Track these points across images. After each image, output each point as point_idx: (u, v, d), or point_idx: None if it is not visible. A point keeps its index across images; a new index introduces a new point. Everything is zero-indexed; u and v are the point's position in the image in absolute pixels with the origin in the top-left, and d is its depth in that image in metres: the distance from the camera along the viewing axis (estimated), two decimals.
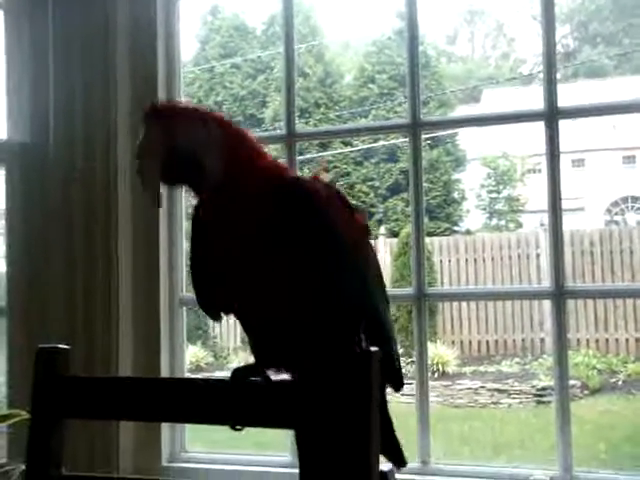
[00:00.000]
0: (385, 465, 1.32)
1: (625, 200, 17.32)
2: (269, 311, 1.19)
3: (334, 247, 1.18)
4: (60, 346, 1.24)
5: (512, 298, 9.03)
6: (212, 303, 1.27)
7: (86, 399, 1.23)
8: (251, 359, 1.26)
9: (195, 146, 1.14)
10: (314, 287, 1.17)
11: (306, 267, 1.16)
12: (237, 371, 1.19)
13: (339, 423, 1.04)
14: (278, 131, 2.34)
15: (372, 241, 1.34)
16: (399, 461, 1.34)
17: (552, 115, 2.09)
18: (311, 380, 1.12)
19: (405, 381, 1.35)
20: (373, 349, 1.05)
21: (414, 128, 2.22)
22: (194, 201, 1.22)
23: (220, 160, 1.15)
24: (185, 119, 1.16)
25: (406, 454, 1.36)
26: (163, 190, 1.14)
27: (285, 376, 1.25)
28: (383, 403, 1.30)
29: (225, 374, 1.21)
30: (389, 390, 1.32)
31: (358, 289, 1.23)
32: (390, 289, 1.40)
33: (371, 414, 1.02)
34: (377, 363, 1.05)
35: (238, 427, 1.17)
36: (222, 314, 1.28)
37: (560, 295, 2.07)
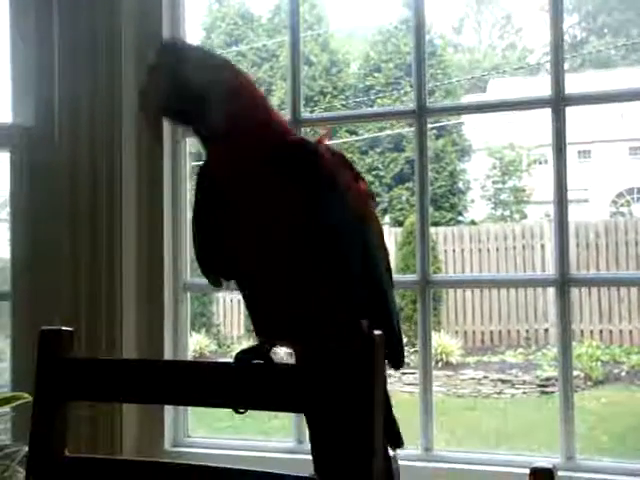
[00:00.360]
0: (388, 451, 1.32)
1: (631, 191, 17.27)
2: (270, 271, 1.17)
3: (338, 210, 1.17)
4: (63, 328, 1.24)
5: (516, 286, 9.01)
6: (213, 265, 1.25)
7: (89, 381, 1.23)
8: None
9: (202, 83, 1.12)
10: (316, 248, 1.16)
11: (309, 229, 1.15)
12: (240, 354, 1.19)
13: (341, 408, 1.03)
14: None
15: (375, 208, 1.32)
16: (396, 441, 1.32)
17: (559, 102, 2.08)
18: (313, 363, 1.12)
19: (409, 370, 1.34)
20: (377, 332, 1.04)
21: (420, 115, 2.21)
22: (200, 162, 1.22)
23: (226, 104, 1.13)
24: (196, 56, 1.15)
25: (406, 438, 1.35)
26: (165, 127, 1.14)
27: (286, 350, 1.24)
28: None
29: (229, 361, 1.20)
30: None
31: (361, 254, 1.21)
32: (394, 276, 1.38)
33: (374, 400, 1.02)
34: (381, 348, 1.05)
35: (241, 410, 1.17)
36: (222, 280, 1.27)
37: (564, 282, 2.07)
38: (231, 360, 1.18)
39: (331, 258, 1.17)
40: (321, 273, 1.18)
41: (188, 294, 2.41)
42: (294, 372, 1.13)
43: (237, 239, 1.18)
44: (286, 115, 2.33)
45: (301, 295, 1.19)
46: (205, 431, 4.00)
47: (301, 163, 1.15)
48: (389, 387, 1.25)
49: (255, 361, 1.18)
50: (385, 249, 1.31)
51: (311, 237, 1.15)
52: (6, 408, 2.00)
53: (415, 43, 2.22)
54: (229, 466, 1.14)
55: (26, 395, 1.84)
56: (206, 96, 1.12)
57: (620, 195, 17.29)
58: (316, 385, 1.07)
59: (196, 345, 10.00)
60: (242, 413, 1.18)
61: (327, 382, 1.05)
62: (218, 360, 9.33)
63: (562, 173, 2.07)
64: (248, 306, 1.25)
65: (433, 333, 2.21)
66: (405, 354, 1.34)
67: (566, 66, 2.14)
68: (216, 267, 1.26)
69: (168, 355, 2.32)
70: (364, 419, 1.01)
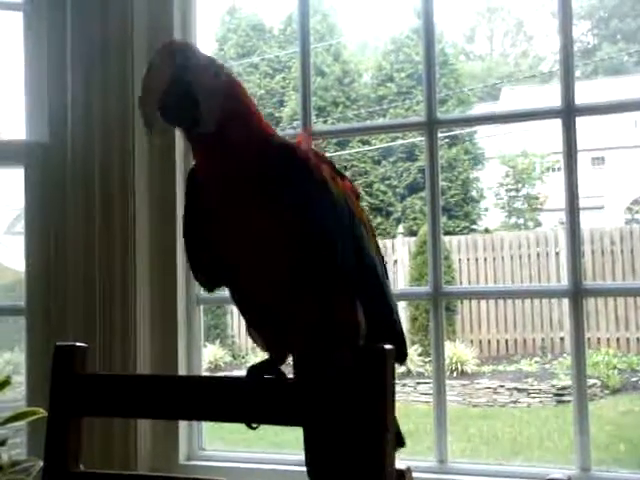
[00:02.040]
0: (402, 463, 1.32)
1: None
2: (260, 273, 1.18)
3: (327, 208, 1.19)
4: (77, 344, 1.25)
5: (529, 297, 8.97)
6: (205, 270, 1.27)
7: (103, 397, 1.24)
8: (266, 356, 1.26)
9: (198, 84, 1.14)
10: (304, 246, 1.16)
11: (296, 225, 1.16)
12: (252, 369, 1.19)
13: (352, 422, 1.03)
14: (296, 129, 2.35)
15: (363, 206, 1.33)
16: (398, 441, 1.29)
17: (569, 112, 2.08)
18: (322, 376, 1.12)
19: (424, 380, 1.33)
20: (387, 346, 1.04)
21: (430, 126, 2.21)
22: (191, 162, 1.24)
23: (218, 107, 1.15)
24: (196, 58, 1.17)
25: (422, 450, 1.34)
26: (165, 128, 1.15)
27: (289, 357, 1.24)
28: None
29: (243, 373, 1.21)
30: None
31: (353, 249, 1.22)
32: (407, 287, 1.38)
33: (386, 414, 1.02)
34: (391, 362, 1.05)
35: (254, 425, 1.17)
36: (214, 286, 1.29)
37: (578, 293, 2.06)
38: (244, 374, 1.19)
39: (323, 256, 1.17)
40: (314, 271, 1.18)
41: (201, 307, 2.41)
42: (303, 387, 1.13)
43: (226, 244, 1.19)
44: (298, 127, 2.34)
45: (289, 288, 1.19)
46: (219, 444, 4.01)
47: (285, 164, 1.16)
48: (405, 397, 1.24)
49: (267, 376, 1.18)
50: (376, 241, 1.32)
51: (302, 238, 1.16)
52: (22, 423, 2.01)
53: (425, 56, 2.23)
54: None
55: (41, 410, 1.85)
56: (201, 97, 1.14)
57: (635, 202, 17.19)
58: (325, 400, 1.07)
59: (211, 356, 10.02)
60: (255, 428, 1.18)
61: (336, 397, 1.05)
62: (233, 372, 9.35)
63: (573, 183, 2.07)
64: (242, 315, 1.26)
65: (448, 342, 2.20)
66: (423, 362, 1.34)
67: (578, 73, 2.15)
68: (207, 272, 1.27)
69: (182, 368, 2.32)
70: (375, 433, 1.01)
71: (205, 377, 1.59)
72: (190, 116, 1.15)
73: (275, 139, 1.22)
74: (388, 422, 1.02)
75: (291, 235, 1.16)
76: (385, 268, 1.32)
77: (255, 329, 1.26)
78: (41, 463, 1.42)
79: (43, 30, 2.35)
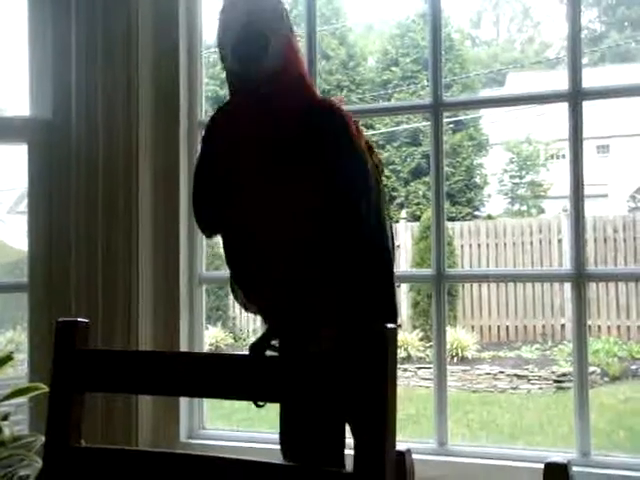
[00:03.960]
0: (402, 445, 1.32)
1: None
2: (276, 235, 1.15)
3: (360, 173, 1.18)
4: (79, 320, 1.25)
5: (531, 280, 8.96)
6: (208, 214, 1.25)
7: (105, 372, 1.24)
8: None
9: (270, 27, 1.14)
10: (328, 210, 1.15)
11: (325, 187, 1.14)
12: (254, 345, 1.19)
13: (353, 401, 1.03)
14: None
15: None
16: None
17: (576, 96, 2.06)
18: (325, 354, 1.12)
19: (425, 365, 1.33)
20: (390, 326, 1.04)
21: (435, 108, 2.20)
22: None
23: (281, 51, 1.15)
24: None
25: (422, 433, 1.35)
26: None
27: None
28: None
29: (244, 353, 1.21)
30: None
31: (374, 224, 1.22)
32: (409, 270, 1.38)
33: (387, 394, 1.02)
34: (394, 341, 1.04)
35: (260, 403, 1.17)
36: (213, 232, 1.26)
37: (580, 278, 2.06)
38: (246, 352, 1.19)
39: (346, 220, 1.16)
40: (332, 241, 1.16)
41: (203, 287, 2.42)
42: (308, 364, 1.12)
43: (246, 196, 1.16)
44: None
45: (303, 259, 1.17)
46: (222, 422, 4.02)
47: (331, 129, 1.15)
48: (406, 382, 1.24)
49: (268, 352, 1.18)
50: (390, 221, 1.31)
51: (328, 200, 1.14)
52: (23, 399, 2.02)
53: (431, 37, 2.21)
54: (242, 457, 1.14)
55: (43, 386, 1.86)
56: (271, 37, 1.14)
57: (639, 190, 17.13)
58: (327, 377, 1.07)
59: (212, 338, 10.03)
60: (261, 406, 1.18)
61: (338, 374, 1.05)
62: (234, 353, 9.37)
63: (579, 168, 2.06)
64: (238, 274, 1.24)
65: (449, 328, 2.20)
66: (424, 347, 1.35)
67: (585, 60, 2.14)
68: (212, 220, 1.25)
69: (184, 348, 2.33)
70: (376, 414, 1.01)
71: (207, 354, 1.58)
72: (259, 51, 1.13)
73: (321, 100, 1.21)
74: (390, 403, 1.02)
75: (317, 197, 1.14)
76: (393, 244, 1.31)
77: (245, 289, 1.25)
78: (42, 438, 1.42)
79: (48, 5, 2.33)
